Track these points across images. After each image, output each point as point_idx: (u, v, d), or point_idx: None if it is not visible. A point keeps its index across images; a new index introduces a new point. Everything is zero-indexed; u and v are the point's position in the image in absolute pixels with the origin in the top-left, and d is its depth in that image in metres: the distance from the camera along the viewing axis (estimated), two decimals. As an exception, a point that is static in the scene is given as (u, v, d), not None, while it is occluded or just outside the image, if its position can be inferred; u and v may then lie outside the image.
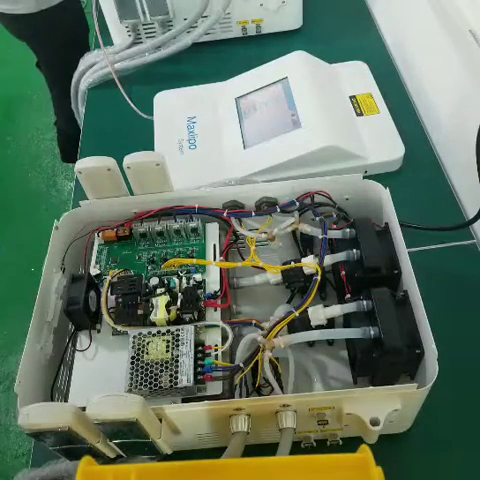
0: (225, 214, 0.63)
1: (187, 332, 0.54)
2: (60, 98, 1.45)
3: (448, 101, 0.84)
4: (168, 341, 0.54)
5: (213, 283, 0.60)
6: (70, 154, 1.39)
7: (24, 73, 1.88)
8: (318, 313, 0.56)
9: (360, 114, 0.85)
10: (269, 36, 1.07)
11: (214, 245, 0.64)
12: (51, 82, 1.43)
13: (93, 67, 1.03)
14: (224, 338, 0.56)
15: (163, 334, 0.54)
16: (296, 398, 0.49)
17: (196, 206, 0.64)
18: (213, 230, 0.65)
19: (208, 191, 0.65)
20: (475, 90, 0.74)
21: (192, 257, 0.63)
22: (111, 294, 0.59)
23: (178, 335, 0.54)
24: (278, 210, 0.63)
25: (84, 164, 0.62)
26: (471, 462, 0.56)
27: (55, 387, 0.57)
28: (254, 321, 0.58)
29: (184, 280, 0.59)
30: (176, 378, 0.51)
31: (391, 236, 0.59)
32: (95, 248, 0.65)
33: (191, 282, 0.59)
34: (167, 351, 0.53)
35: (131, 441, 0.49)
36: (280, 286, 0.62)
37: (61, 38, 1.29)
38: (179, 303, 0.57)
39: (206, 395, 0.53)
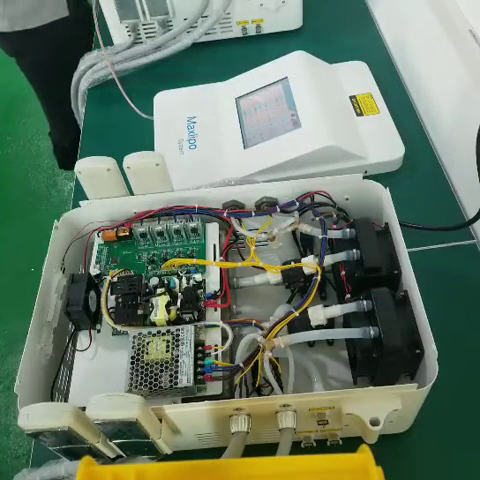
0: (225, 214, 0.63)
1: (187, 332, 0.54)
2: (51, 111, 1.45)
3: (448, 101, 0.84)
4: (168, 341, 0.54)
5: (213, 283, 0.60)
6: (67, 162, 1.38)
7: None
8: (318, 313, 0.56)
9: (360, 114, 0.85)
10: (269, 36, 1.07)
11: (214, 245, 0.64)
12: (40, 96, 1.42)
13: (93, 67, 1.03)
14: (224, 338, 0.56)
15: (163, 334, 0.54)
16: (296, 398, 0.49)
17: (196, 206, 0.64)
18: (213, 230, 0.65)
19: (208, 191, 0.65)
20: (475, 90, 0.74)
21: (192, 257, 0.63)
22: (111, 294, 0.59)
23: (178, 335, 0.54)
24: (278, 210, 0.63)
25: (84, 164, 0.62)
26: (471, 462, 0.56)
27: (55, 387, 0.57)
28: (254, 321, 0.58)
29: (184, 280, 0.59)
30: (176, 378, 0.51)
31: (391, 236, 0.59)
32: (95, 248, 0.65)
33: (191, 282, 0.59)
34: (167, 351, 0.53)
35: (131, 441, 0.49)
36: (280, 286, 0.62)
37: (44, 59, 1.26)
38: (179, 303, 0.57)
39: (206, 395, 0.53)
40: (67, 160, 1.19)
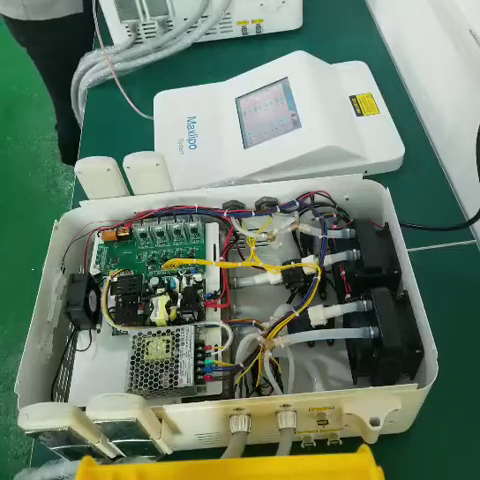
0: (225, 214, 0.63)
1: (187, 332, 0.54)
2: (60, 104, 1.45)
3: (448, 101, 0.84)
4: (168, 341, 0.54)
5: (213, 283, 0.60)
6: (70, 157, 1.39)
7: (24, 73, 1.89)
8: (318, 313, 0.56)
9: (360, 114, 0.85)
10: (269, 36, 1.07)
11: (214, 245, 0.64)
12: (49, 88, 1.43)
13: (93, 67, 1.03)
14: (224, 338, 0.56)
15: (163, 334, 0.54)
16: (296, 398, 0.49)
17: (196, 206, 0.64)
18: (213, 230, 0.65)
19: (208, 191, 0.65)
20: (475, 90, 0.74)
21: (192, 257, 0.63)
22: (111, 294, 0.59)
23: (178, 335, 0.54)
24: (278, 210, 0.63)
25: (84, 164, 0.62)
26: (471, 462, 0.56)
27: (55, 387, 0.57)
28: (254, 321, 0.58)
29: (184, 280, 0.59)
30: (176, 378, 0.51)
31: (391, 236, 0.59)
32: (95, 248, 0.65)
33: (191, 282, 0.59)
34: (167, 351, 0.53)
35: (131, 441, 0.49)
36: (280, 286, 0.62)
37: (54, 52, 1.27)
38: (179, 303, 0.57)
39: (206, 395, 0.53)
40: (71, 154, 1.19)
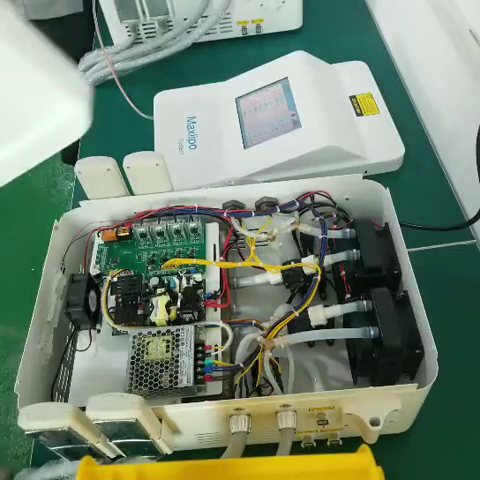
0: (225, 214, 0.63)
1: (187, 332, 0.54)
2: None
3: (448, 101, 0.84)
4: (168, 341, 0.54)
5: (213, 283, 0.60)
6: (70, 157, 1.40)
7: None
8: (318, 313, 0.56)
9: (360, 114, 0.85)
10: (269, 36, 1.07)
11: (214, 245, 0.64)
12: None
13: (93, 67, 1.03)
14: (224, 338, 0.56)
15: (163, 334, 0.54)
16: (296, 398, 0.49)
17: (196, 206, 0.64)
18: (213, 230, 0.65)
19: (208, 191, 0.65)
20: (475, 90, 0.74)
21: (192, 257, 0.63)
22: (111, 294, 0.59)
23: (178, 335, 0.54)
24: (278, 210, 0.63)
25: (84, 164, 0.62)
26: (471, 462, 0.56)
27: (55, 387, 0.57)
28: (254, 321, 0.58)
29: (184, 280, 0.59)
30: (176, 378, 0.51)
31: (391, 236, 0.59)
32: (95, 248, 0.65)
33: (191, 282, 0.59)
34: (167, 351, 0.53)
35: (131, 441, 0.49)
36: (280, 286, 0.62)
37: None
38: (179, 303, 0.57)
39: (206, 395, 0.53)
40: (71, 154, 1.19)
